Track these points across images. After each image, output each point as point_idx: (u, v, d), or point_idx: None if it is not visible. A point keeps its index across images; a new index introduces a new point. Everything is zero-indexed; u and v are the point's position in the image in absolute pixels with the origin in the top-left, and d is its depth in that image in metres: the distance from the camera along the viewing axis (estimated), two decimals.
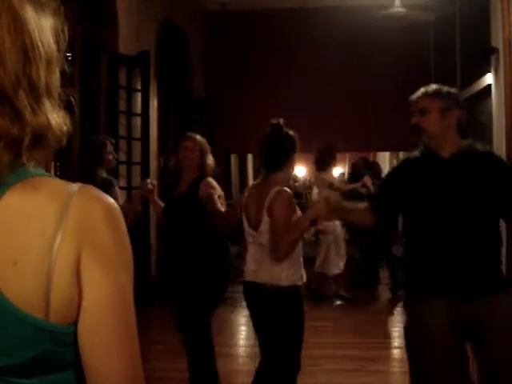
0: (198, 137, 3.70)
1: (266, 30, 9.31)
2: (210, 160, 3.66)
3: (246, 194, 3.18)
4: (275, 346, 2.99)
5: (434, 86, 2.56)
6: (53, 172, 4.77)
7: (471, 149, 2.53)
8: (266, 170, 3.10)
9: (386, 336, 5.66)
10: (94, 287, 0.78)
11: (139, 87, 6.71)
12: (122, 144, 6.40)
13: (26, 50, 0.77)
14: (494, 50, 5.48)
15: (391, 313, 6.61)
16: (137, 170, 6.59)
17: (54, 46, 0.82)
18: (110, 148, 4.40)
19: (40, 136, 0.79)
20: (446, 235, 2.46)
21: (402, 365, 4.71)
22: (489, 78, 5.80)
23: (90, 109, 5.96)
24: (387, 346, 5.29)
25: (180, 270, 3.63)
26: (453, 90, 2.58)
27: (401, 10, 7.96)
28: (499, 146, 5.35)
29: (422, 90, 2.58)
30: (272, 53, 9.31)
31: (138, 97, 6.71)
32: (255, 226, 3.02)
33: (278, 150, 3.04)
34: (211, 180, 3.58)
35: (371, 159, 12.93)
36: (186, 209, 3.60)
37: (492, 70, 5.66)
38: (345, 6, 8.94)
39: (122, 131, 6.40)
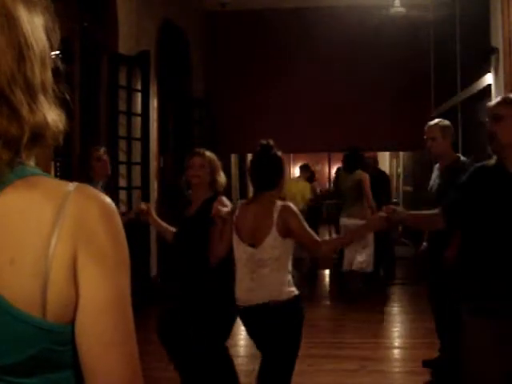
0: (208, 152, 3.47)
1: (266, 29, 9.31)
2: (221, 177, 3.46)
3: (236, 213, 3.09)
4: (280, 357, 2.97)
5: (511, 95, 2.57)
6: (53, 172, 4.75)
7: None
8: (258, 190, 3.08)
9: (386, 336, 5.66)
10: (90, 286, 0.78)
11: (139, 87, 6.71)
12: (122, 144, 6.40)
13: (21, 49, 0.78)
14: (494, 50, 5.48)
15: (392, 313, 6.61)
16: (137, 170, 6.60)
17: (47, 44, 0.82)
18: (97, 154, 4.25)
19: (38, 134, 0.79)
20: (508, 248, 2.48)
21: (401, 365, 4.71)
22: (489, 78, 5.80)
23: (90, 109, 5.95)
24: (387, 346, 5.29)
25: (186, 301, 3.38)
26: None
27: (401, 9, 7.97)
28: None
29: (499, 98, 2.59)
30: (272, 53, 9.31)
31: (138, 97, 6.71)
32: (253, 243, 2.97)
33: (271, 169, 3.05)
34: (225, 200, 3.35)
35: (371, 159, 12.87)
36: (195, 235, 3.36)
37: (492, 70, 5.66)
38: (345, 6, 8.94)
39: (122, 131, 6.40)
